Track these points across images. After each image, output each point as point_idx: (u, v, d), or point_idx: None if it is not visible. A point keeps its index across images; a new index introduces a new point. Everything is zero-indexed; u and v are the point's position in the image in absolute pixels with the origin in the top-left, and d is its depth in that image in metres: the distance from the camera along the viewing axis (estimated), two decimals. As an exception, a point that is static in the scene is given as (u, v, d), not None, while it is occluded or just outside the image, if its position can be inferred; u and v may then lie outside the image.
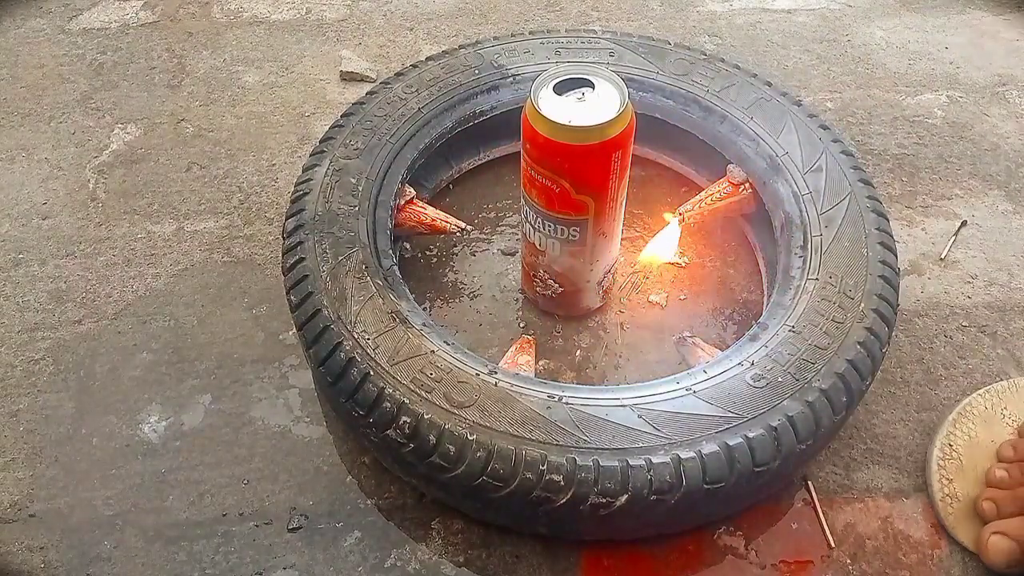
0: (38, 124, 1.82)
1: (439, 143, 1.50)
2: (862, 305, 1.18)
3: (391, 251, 1.31)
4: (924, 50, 2.03)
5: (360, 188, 1.34)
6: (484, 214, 1.60)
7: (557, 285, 1.33)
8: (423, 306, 1.43)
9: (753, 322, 1.26)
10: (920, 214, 1.62)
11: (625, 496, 1.00)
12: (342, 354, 1.12)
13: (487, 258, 1.53)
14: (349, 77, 1.92)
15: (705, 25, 2.09)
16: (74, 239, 1.57)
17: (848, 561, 1.14)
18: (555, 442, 1.03)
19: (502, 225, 1.58)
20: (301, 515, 1.19)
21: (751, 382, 1.10)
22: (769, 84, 1.52)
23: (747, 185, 1.44)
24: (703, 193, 1.47)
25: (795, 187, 1.35)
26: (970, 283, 1.49)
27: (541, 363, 1.34)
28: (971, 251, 1.55)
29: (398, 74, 1.56)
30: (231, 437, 1.28)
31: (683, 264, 1.50)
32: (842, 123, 1.81)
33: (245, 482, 1.22)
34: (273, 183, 1.68)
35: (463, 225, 1.42)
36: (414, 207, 1.42)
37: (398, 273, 1.28)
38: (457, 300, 1.46)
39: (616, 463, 1.01)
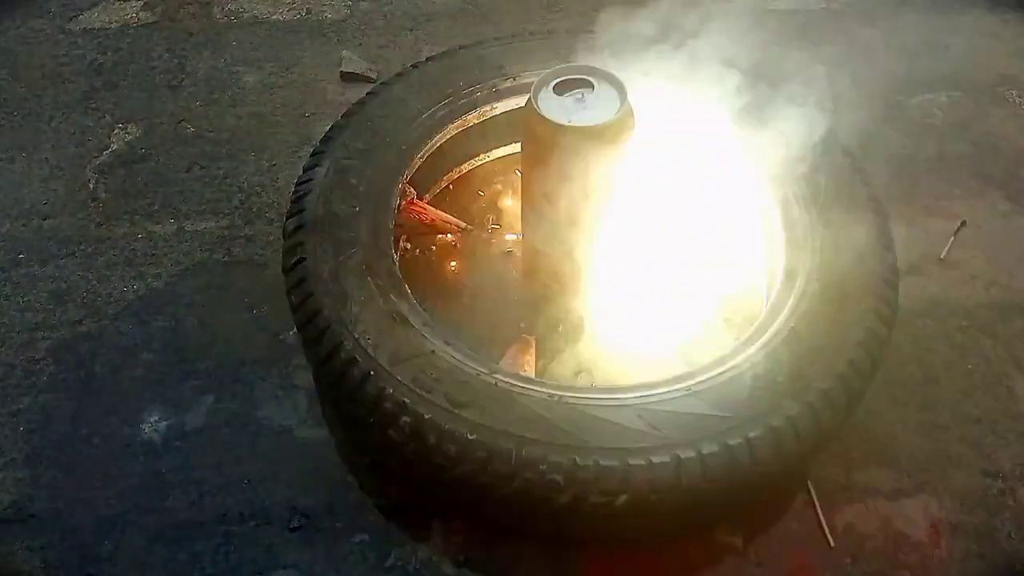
0: (38, 124, 1.82)
1: (439, 143, 1.50)
2: (862, 305, 1.18)
3: (391, 251, 1.31)
4: (924, 50, 2.03)
5: (360, 188, 1.34)
6: (484, 214, 1.60)
7: (557, 285, 1.33)
8: (423, 306, 1.43)
9: (753, 322, 1.26)
10: (920, 214, 1.62)
11: (625, 496, 1.00)
12: (342, 354, 1.12)
13: (487, 258, 1.53)
14: (349, 77, 1.92)
15: (705, 25, 2.09)
16: (74, 239, 1.57)
17: (848, 561, 1.14)
18: (555, 442, 1.03)
19: (502, 225, 1.58)
20: (302, 515, 1.19)
21: (751, 382, 1.10)
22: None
23: (747, 185, 1.44)
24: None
25: (795, 187, 1.35)
26: (970, 283, 1.49)
27: (541, 363, 1.34)
28: (971, 251, 1.55)
29: (398, 74, 1.56)
30: (232, 437, 1.28)
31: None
32: (842, 123, 1.80)
33: (246, 482, 1.23)
34: (273, 183, 1.68)
35: (463, 225, 1.42)
36: (414, 207, 1.42)
37: (398, 273, 1.28)
38: (457, 300, 1.46)
39: (616, 463, 1.01)
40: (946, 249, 1.54)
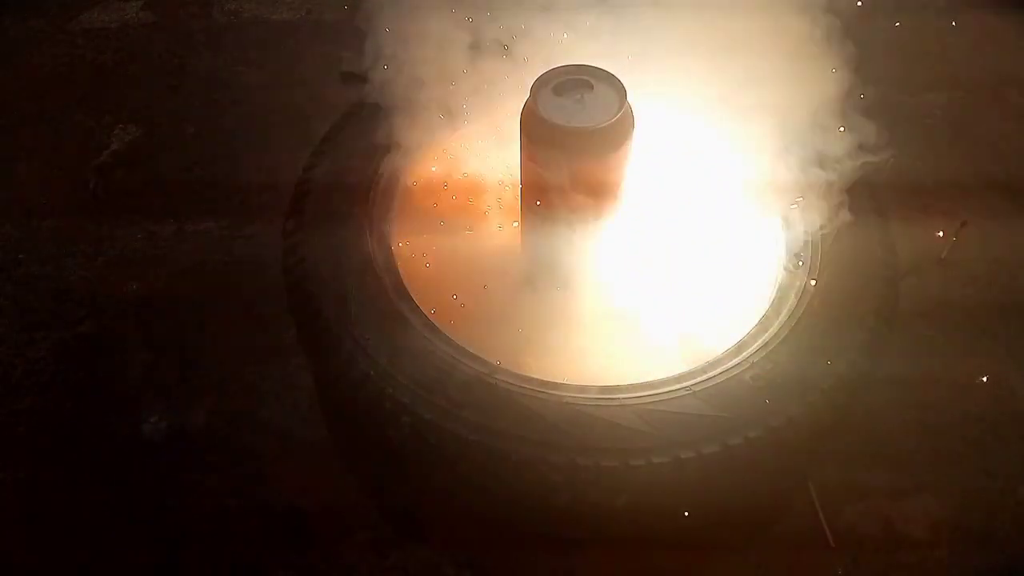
0: (38, 124, 1.82)
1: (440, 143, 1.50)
2: (862, 305, 1.18)
3: (391, 251, 1.31)
4: (924, 50, 2.02)
5: (360, 188, 1.34)
6: (485, 213, 1.60)
7: (556, 285, 1.33)
8: (423, 306, 1.43)
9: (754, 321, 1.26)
10: (920, 214, 1.62)
11: (625, 496, 1.00)
12: (342, 354, 1.12)
13: (488, 257, 1.53)
14: (349, 77, 1.92)
15: (705, 25, 2.09)
16: (74, 239, 1.57)
17: (848, 561, 1.14)
18: (555, 442, 1.03)
19: (503, 224, 1.58)
20: (302, 515, 1.19)
21: (751, 382, 1.10)
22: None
23: (747, 185, 1.44)
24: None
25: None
26: (970, 283, 1.49)
27: (540, 362, 1.34)
28: (971, 251, 1.55)
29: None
30: (232, 437, 1.28)
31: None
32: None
33: (246, 482, 1.23)
34: (273, 183, 1.68)
35: (464, 224, 1.42)
36: (415, 207, 1.42)
37: (398, 273, 1.28)
38: (458, 299, 1.46)
39: (616, 463, 1.01)
40: (946, 249, 1.54)
